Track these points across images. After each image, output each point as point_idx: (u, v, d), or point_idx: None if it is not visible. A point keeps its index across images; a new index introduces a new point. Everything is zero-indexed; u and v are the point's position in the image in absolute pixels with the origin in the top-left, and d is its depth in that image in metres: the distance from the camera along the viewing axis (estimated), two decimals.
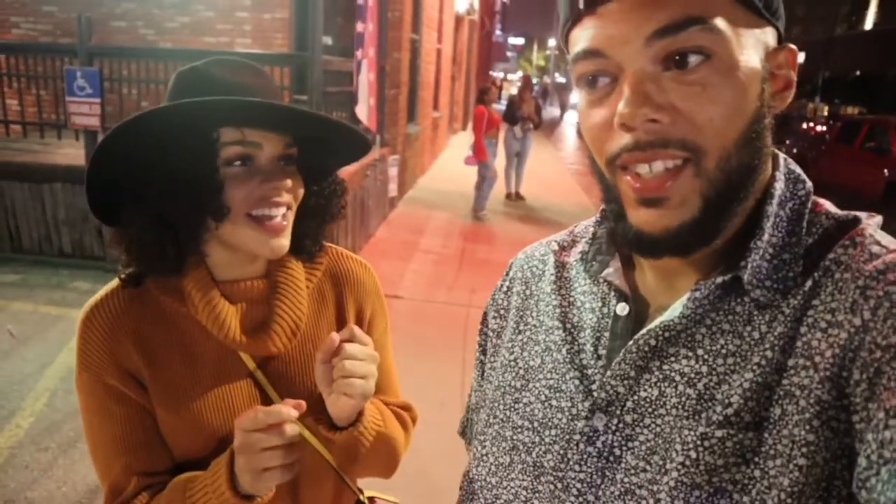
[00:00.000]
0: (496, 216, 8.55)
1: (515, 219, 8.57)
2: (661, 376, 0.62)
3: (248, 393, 0.98)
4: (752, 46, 0.58)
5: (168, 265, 0.93)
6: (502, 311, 0.83)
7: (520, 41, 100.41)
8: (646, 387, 0.62)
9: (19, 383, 3.53)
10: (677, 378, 0.61)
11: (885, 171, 9.42)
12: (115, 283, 0.99)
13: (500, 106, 9.96)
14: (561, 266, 0.78)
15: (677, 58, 0.55)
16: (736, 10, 0.56)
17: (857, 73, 45.06)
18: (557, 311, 0.74)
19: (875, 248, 0.56)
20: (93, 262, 5.45)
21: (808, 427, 0.52)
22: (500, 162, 9.04)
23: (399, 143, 8.55)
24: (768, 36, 0.60)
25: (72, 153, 5.68)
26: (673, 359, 0.61)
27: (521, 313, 0.79)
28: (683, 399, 0.60)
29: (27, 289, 4.90)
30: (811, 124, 15.21)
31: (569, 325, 0.72)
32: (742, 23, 0.57)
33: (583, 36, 0.60)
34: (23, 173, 5.38)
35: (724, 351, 0.59)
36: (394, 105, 8.36)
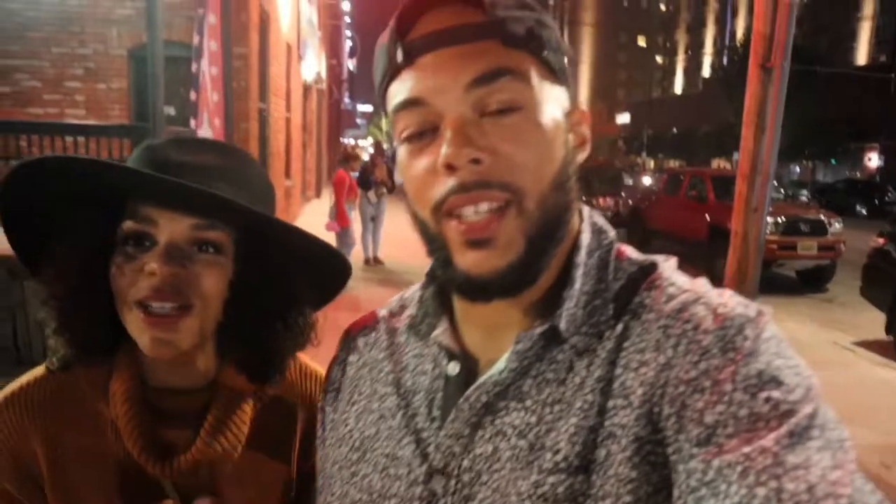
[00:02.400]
0: (357, 282, 8.47)
1: (376, 283, 8.53)
2: (493, 431, 0.62)
3: None
4: (554, 101, 0.64)
5: (96, 348, 0.82)
6: (336, 384, 0.81)
7: (368, 108, 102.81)
8: (480, 443, 0.62)
9: None
10: (509, 431, 0.61)
11: (707, 216, 10.44)
12: (39, 370, 0.88)
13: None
14: (392, 332, 0.77)
15: (493, 105, 0.60)
16: (541, 68, 0.63)
17: (674, 130, 50.53)
18: (390, 376, 0.73)
19: (671, 290, 0.62)
20: None
21: (630, 465, 0.55)
22: (356, 228, 9.04)
23: None
24: (564, 95, 0.66)
25: None
26: (504, 412, 0.62)
27: (355, 383, 0.77)
28: (516, 451, 0.60)
29: None
30: (643, 177, 16.67)
31: (402, 390, 0.71)
32: (546, 80, 0.63)
33: (402, 88, 0.63)
34: None
35: (550, 399, 0.61)
36: None
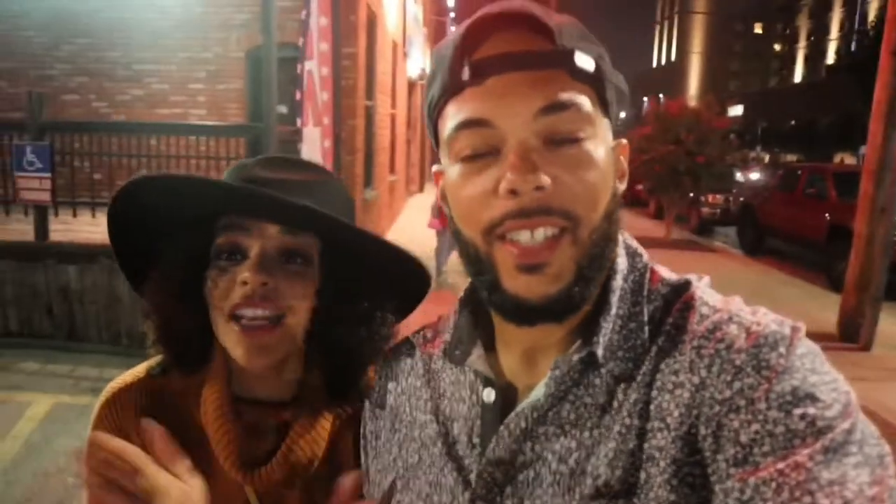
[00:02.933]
0: (460, 277, 8.57)
1: None
2: (534, 456, 0.63)
3: None
4: (606, 134, 0.65)
5: (191, 358, 0.88)
6: (377, 412, 0.81)
7: None
8: (521, 469, 0.63)
9: None
10: (549, 456, 0.62)
11: (827, 215, 9.79)
12: (142, 370, 0.94)
13: None
14: (428, 358, 0.78)
15: (559, 135, 0.61)
16: (596, 100, 0.64)
17: (792, 122, 47.41)
18: (429, 404, 0.74)
19: (704, 310, 0.62)
20: (41, 342, 5.25)
21: (668, 487, 0.55)
22: None
23: (356, 208, 8.57)
24: (609, 129, 0.67)
25: (20, 229, 5.55)
26: (544, 438, 0.63)
27: (395, 411, 0.78)
28: (557, 476, 0.61)
29: None
30: (754, 173, 15.77)
31: (441, 418, 0.72)
32: (601, 113, 0.65)
33: (465, 107, 0.62)
34: None
35: (588, 424, 0.61)
36: (350, 171, 8.43)
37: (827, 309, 7.09)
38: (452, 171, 0.65)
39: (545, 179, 0.58)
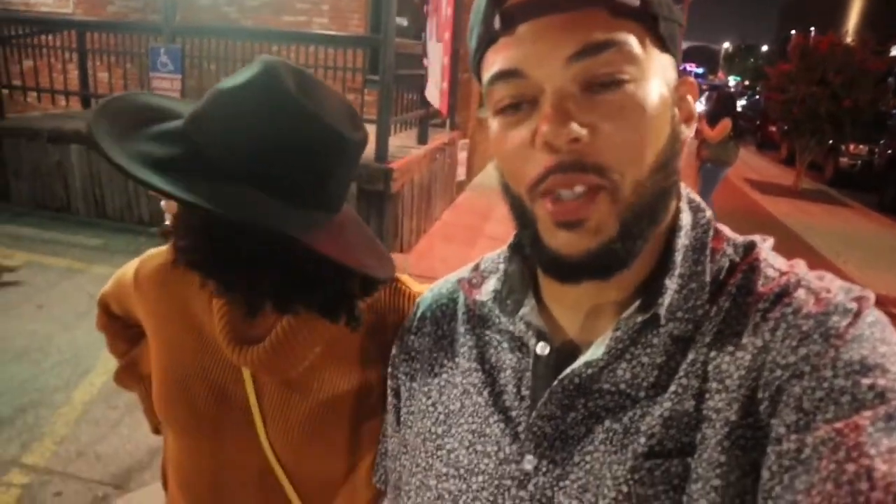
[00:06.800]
0: None
1: None
2: (586, 413, 0.62)
3: (239, 405, 0.93)
4: (661, 73, 0.59)
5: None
6: (413, 353, 0.79)
7: None
8: (573, 425, 0.62)
9: (95, 343, 3.70)
10: (603, 413, 0.61)
11: None
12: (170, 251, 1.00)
13: None
14: (473, 304, 0.75)
15: (597, 80, 0.56)
16: (646, 37, 0.58)
17: None
18: (474, 351, 0.72)
19: (770, 272, 0.60)
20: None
21: (720, 448, 0.54)
22: None
23: (469, 126, 8.51)
24: (671, 65, 0.61)
25: None
26: (597, 395, 0.61)
27: (435, 354, 0.76)
28: (610, 434, 0.60)
29: (108, 253, 5.15)
30: None
31: (487, 367, 0.70)
32: (654, 50, 0.59)
33: (499, 58, 0.59)
34: None
35: (644, 384, 0.60)
36: (466, 89, 8.31)
37: None
38: (493, 124, 0.62)
39: (580, 131, 0.55)
